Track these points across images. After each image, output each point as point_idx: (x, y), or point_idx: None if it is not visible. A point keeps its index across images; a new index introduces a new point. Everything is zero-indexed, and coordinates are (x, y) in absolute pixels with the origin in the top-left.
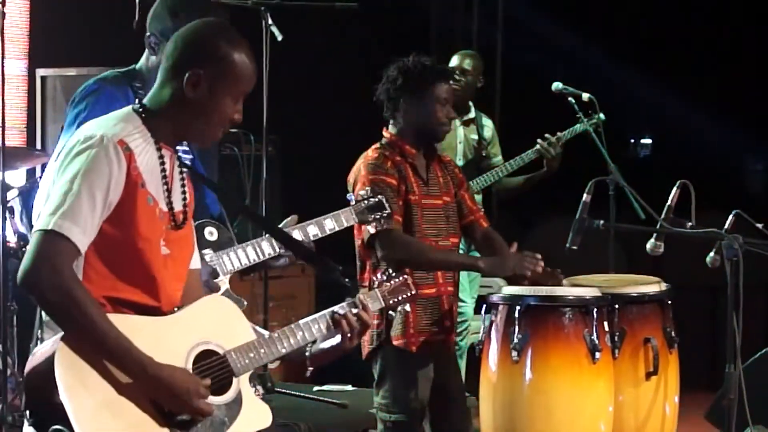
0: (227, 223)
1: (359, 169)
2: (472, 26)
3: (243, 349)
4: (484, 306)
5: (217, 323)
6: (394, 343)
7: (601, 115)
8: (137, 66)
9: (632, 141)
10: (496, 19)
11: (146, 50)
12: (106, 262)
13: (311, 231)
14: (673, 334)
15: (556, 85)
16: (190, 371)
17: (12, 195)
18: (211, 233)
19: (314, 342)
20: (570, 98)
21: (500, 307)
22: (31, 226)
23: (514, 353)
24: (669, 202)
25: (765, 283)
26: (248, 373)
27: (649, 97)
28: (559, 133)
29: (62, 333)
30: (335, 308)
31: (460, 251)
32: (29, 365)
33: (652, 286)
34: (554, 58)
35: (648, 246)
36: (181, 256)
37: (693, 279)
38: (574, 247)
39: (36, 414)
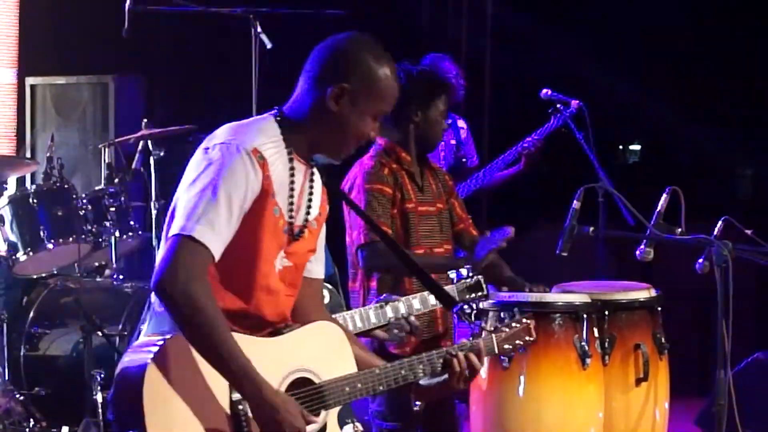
0: (338, 286)
1: (355, 177)
2: (462, 32)
3: (340, 382)
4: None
5: (320, 351)
6: (394, 352)
7: (573, 109)
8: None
9: (621, 147)
10: (485, 25)
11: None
12: (222, 267)
13: (415, 305)
14: (663, 340)
15: (545, 92)
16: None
17: (2, 203)
18: (323, 297)
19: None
20: (558, 105)
21: (490, 314)
22: (23, 236)
23: (504, 360)
24: (658, 208)
25: (754, 289)
26: (339, 406)
27: (638, 104)
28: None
29: (156, 346)
30: (449, 348)
31: None
32: (124, 364)
33: (642, 292)
34: (543, 64)
35: (637, 252)
36: (299, 267)
37: (683, 285)
38: (564, 254)
39: (118, 417)
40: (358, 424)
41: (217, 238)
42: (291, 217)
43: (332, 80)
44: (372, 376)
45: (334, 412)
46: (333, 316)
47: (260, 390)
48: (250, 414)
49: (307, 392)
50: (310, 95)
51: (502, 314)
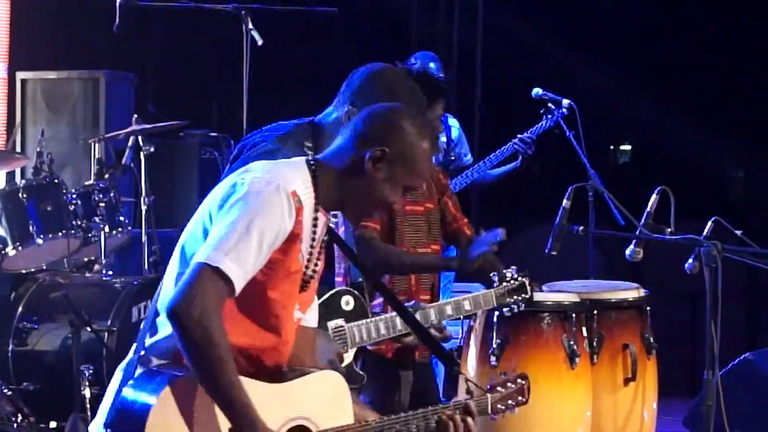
0: (365, 293)
1: None
2: (453, 32)
3: None
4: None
5: (321, 400)
6: (369, 348)
7: (564, 110)
8: (317, 119)
9: (611, 147)
10: (476, 24)
11: (334, 111)
12: (241, 304)
13: (447, 311)
14: (651, 340)
15: (536, 91)
16: None
17: None
18: (347, 303)
19: None
20: (550, 104)
21: (479, 312)
22: (12, 230)
23: (493, 358)
24: (648, 208)
25: (743, 289)
26: None
27: (629, 104)
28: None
29: (160, 387)
30: (444, 408)
31: None
32: (125, 402)
33: (630, 292)
34: (534, 64)
35: (627, 252)
36: (300, 321)
37: (672, 285)
38: (554, 253)
39: None
40: None
41: (241, 275)
42: (306, 267)
43: (376, 143)
44: (368, 429)
45: None
46: (358, 323)
47: (255, 427)
48: None
49: None
50: (351, 152)
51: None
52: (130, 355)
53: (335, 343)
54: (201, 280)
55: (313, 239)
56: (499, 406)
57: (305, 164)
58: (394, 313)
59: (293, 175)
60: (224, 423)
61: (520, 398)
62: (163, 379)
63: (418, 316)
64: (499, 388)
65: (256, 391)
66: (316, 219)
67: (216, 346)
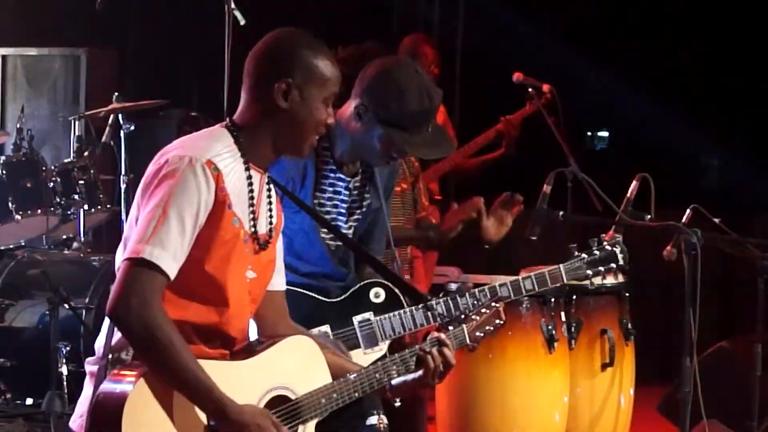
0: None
1: None
2: (434, 14)
3: (315, 395)
4: (441, 294)
5: (294, 366)
6: None
7: (549, 96)
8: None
9: (589, 133)
10: (457, 7)
11: (351, 103)
12: (179, 282)
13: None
14: (629, 326)
15: (517, 77)
16: (270, 414)
17: None
18: (377, 295)
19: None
20: (530, 89)
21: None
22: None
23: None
24: (628, 194)
25: (720, 277)
26: (316, 419)
27: (607, 90)
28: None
29: (133, 379)
30: (421, 345)
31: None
32: (101, 396)
33: (609, 278)
34: (514, 47)
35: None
36: (263, 280)
37: (650, 272)
38: (533, 238)
39: None
40: (383, 416)
41: (168, 257)
42: (253, 226)
43: (275, 79)
44: (347, 384)
45: (312, 425)
46: (389, 315)
47: (224, 409)
48: None
49: (284, 409)
50: (257, 101)
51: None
52: (97, 354)
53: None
54: (130, 275)
55: (251, 198)
56: (477, 333)
57: (224, 129)
58: (434, 301)
59: (209, 144)
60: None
61: (497, 321)
62: (135, 371)
63: (466, 299)
64: (473, 317)
65: (227, 372)
66: (250, 177)
67: (161, 334)
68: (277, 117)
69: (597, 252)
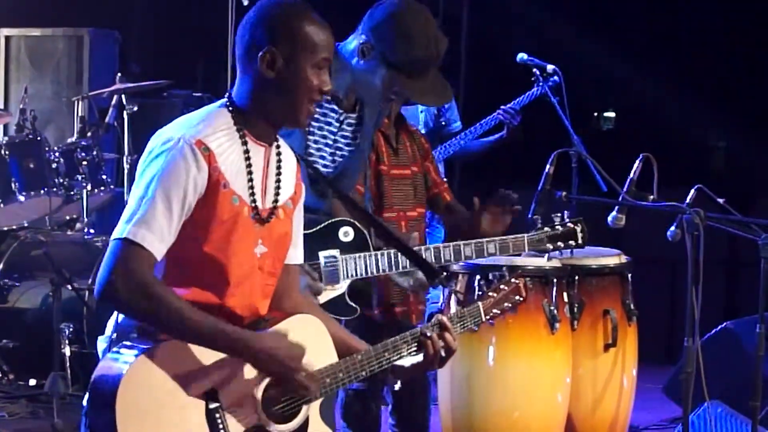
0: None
1: None
2: None
3: (321, 374)
4: (444, 275)
5: (302, 344)
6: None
7: (556, 78)
8: (339, 45)
9: (595, 114)
10: None
11: (354, 38)
12: (181, 264)
13: (465, 252)
14: (632, 306)
15: (521, 56)
16: (259, 396)
17: None
18: (346, 234)
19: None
20: (535, 69)
21: (460, 277)
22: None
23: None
24: (631, 175)
25: (724, 258)
26: (321, 398)
27: (614, 71)
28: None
29: (130, 358)
30: (422, 328)
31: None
32: (98, 374)
33: (612, 258)
34: (519, 28)
35: (609, 218)
36: (278, 252)
37: (653, 252)
38: (537, 218)
39: (91, 419)
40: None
41: (154, 238)
42: (254, 201)
43: (259, 48)
44: (353, 363)
45: (316, 405)
46: (354, 255)
47: (246, 342)
48: (227, 422)
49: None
50: (247, 74)
51: (475, 278)
52: (107, 333)
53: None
54: (116, 255)
55: (250, 173)
56: (494, 310)
57: (222, 108)
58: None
59: (202, 125)
60: (199, 386)
61: (517, 297)
62: (134, 350)
63: (431, 253)
64: (490, 293)
65: None
66: (247, 152)
67: (156, 298)
68: (266, 87)
69: (559, 227)
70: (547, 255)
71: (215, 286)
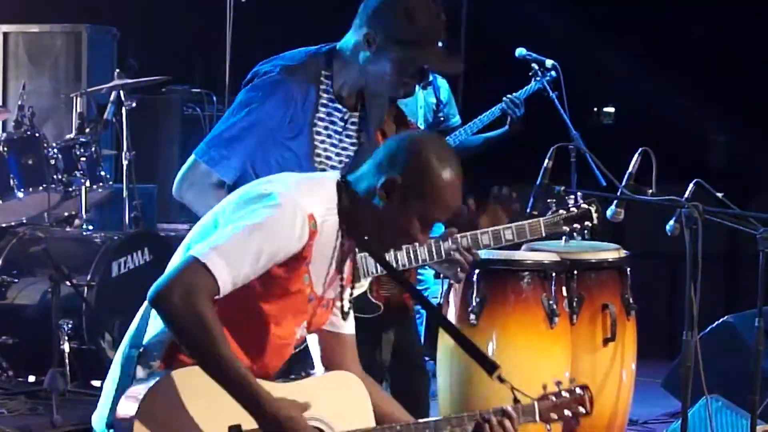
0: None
1: None
2: None
3: None
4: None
5: (337, 401)
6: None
7: (553, 72)
8: (338, 45)
9: (595, 109)
10: None
11: (353, 35)
12: (230, 310)
13: (483, 240)
14: (631, 301)
15: (520, 51)
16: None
17: None
18: None
19: None
20: (534, 64)
21: None
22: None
23: (472, 316)
24: (630, 169)
25: (723, 252)
26: None
27: (613, 66)
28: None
29: (141, 395)
30: (482, 412)
31: None
32: (117, 414)
33: (611, 252)
34: (519, 23)
35: (608, 213)
36: (313, 330)
37: (652, 247)
38: (535, 213)
39: None
40: None
41: (229, 278)
42: (322, 291)
43: (389, 172)
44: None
45: None
46: None
47: (260, 401)
48: None
49: None
50: (369, 180)
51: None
52: (126, 344)
53: None
54: (186, 270)
55: (330, 264)
56: (552, 414)
57: (333, 184)
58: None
59: (317, 198)
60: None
61: (579, 408)
62: (144, 388)
63: (448, 243)
64: (551, 397)
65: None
66: (342, 245)
67: (202, 322)
68: (370, 208)
69: (574, 209)
70: (564, 238)
71: (255, 346)
